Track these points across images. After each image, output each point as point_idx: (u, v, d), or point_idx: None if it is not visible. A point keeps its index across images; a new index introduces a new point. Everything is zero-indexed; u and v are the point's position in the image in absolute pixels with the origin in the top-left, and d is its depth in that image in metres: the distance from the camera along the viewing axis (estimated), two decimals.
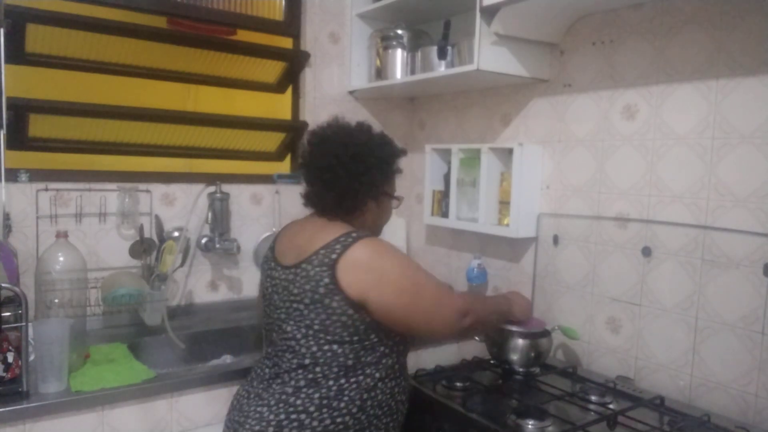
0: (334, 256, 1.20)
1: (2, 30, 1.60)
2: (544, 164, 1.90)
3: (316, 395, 1.21)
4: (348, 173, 1.29)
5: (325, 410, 1.20)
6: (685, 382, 1.52)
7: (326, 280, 1.19)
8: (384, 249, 1.25)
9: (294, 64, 2.24)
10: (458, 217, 2.08)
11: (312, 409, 1.19)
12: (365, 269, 1.20)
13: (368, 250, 1.22)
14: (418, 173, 2.42)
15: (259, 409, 1.23)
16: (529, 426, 1.31)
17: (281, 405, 1.21)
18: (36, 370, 1.32)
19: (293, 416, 1.19)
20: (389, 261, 1.23)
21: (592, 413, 1.41)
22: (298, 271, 1.25)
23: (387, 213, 1.43)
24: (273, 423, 1.19)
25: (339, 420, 1.20)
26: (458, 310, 1.28)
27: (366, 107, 2.39)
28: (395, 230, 2.41)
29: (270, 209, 2.18)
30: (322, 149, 1.33)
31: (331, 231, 1.26)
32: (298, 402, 1.20)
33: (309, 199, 1.38)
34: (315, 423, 1.19)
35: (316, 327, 1.21)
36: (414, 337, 1.35)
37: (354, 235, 1.23)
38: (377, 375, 1.25)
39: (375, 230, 1.41)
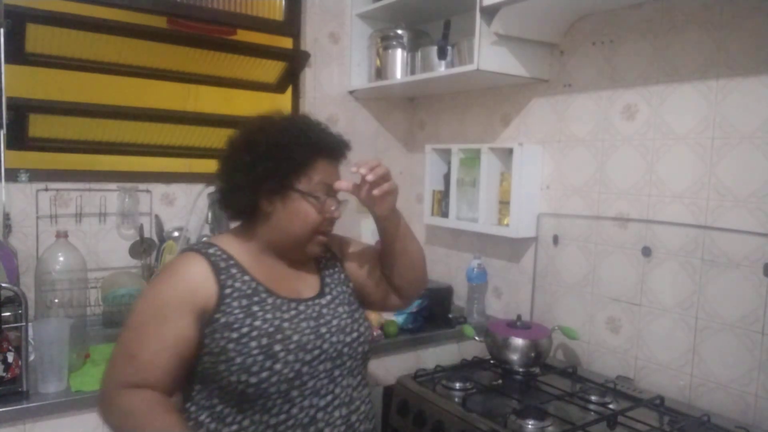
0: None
1: (2, 30, 1.60)
2: (544, 164, 1.90)
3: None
4: (232, 165, 1.09)
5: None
6: (685, 382, 1.52)
7: None
8: (162, 273, 1.08)
9: (294, 64, 2.24)
10: (458, 217, 2.08)
11: None
12: None
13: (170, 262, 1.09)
14: (418, 173, 2.42)
15: None
16: (529, 426, 1.31)
17: None
18: (36, 370, 1.32)
19: None
20: (148, 285, 1.09)
21: (592, 413, 1.41)
22: None
23: (307, 217, 1.08)
24: None
25: None
26: (104, 389, 1.01)
27: (366, 107, 2.39)
28: None
29: None
30: (236, 139, 1.14)
31: (215, 239, 1.15)
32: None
33: (217, 198, 1.20)
34: None
35: None
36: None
37: (188, 247, 1.13)
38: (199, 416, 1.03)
39: (292, 240, 1.09)
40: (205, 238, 1.07)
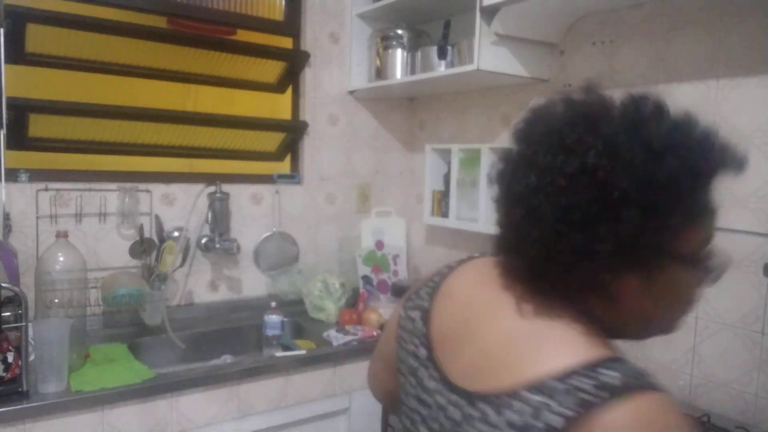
0: (578, 409, 0.54)
1: (2, 30, 1.60)
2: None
3: None
4: (590, 193, 0.58)
5: None
6: (685, 381, 1.52)
7: None
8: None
9: (294, 64, 2.24)
10: (458, 217, 2.07)
11: None
12: None
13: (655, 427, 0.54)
14: (418, 173, 2.42)
15: None
16: None
17: None
18: (36, 370, 1.32)
19: None
20: None
21: None
22: (486, 408, 0.61)
23: (685, 295, 0.67)
24: None
25: None
26: None
27: (366, 107, 2.39)
28: (395, 230, 2.41)
29: (270, 209, 2.18)
30: (540, 140, 0.63)
31: (558, 338, 0.61)
32: None
33: (502, 241, 0.69)
34: None
35: None
36: None
37: (613, 380, 0.55)
38: None
39: (657, 324, 0.71)
40: (614, 373, 0.56)
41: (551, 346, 0.60)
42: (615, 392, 0.54)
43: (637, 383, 0.55)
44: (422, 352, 0.73)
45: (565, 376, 0.56)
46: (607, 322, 0.63)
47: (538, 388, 0.57)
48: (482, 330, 0.67)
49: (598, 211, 0.57)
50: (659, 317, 0.68)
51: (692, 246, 0.62)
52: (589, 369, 0.56)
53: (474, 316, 0.69)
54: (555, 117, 0.64)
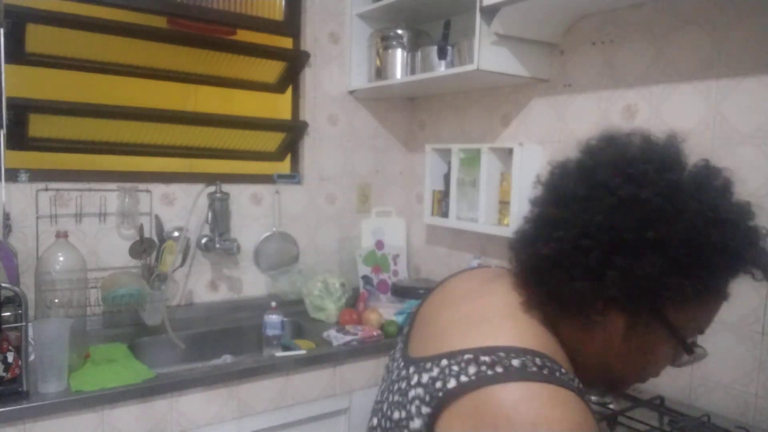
0: (452, 383, 0.59)
1: (2, 30, 1.60)
2: (544, 164, 1.90)
3: None
4: (593, 231, 0.62)
5: None
6: (685, 382, 1.52)
7: (418, 422, 0.62)
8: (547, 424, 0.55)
9: (294, 64, 2.24)
10: (458, 217, 2.08)
11: None
12: None
13: (518, 411, 0.55)
14: (418, 173, 2.42)
15: None
16: None
17: None
18: (36, 370, 1.32)
19: None
20: None
21: None
22: (413, 370, 0.66)
23: (654, 359, 0.71)
24: None
25: None
26: None
27: (366, 107, 2.39)
28: (395, 230, 2.41)
29: (270, 209, 2.18)
30: (576, 169, 0.68)
31: (499, 327, 0.64)
32: None
33: (512, 245, 0.73)
34: None
35: None
36: None
37: (515, 362, 0.58)
38: None
39: (610, 376, 0.71)
40: (514, 359, 0.59)
41: (494, 329, 0.64)
42: (509, 373, 0.57)
43: (534, 374, 0.57)
44: (405, 330, 0.80)
45: (479, 351, 0.60)
46: (568, 350, 0.66)
47: (454, 357, 0.61)
48: (450, 310, 0.72)
49: (633, 241, 0.60)
50: (618, 371, 0.70)
51: (688, 322, 0.68)
52: (505, 351, 0.59)
53: (449, 300, 0.75)
54: (630, 145, 0.67)
